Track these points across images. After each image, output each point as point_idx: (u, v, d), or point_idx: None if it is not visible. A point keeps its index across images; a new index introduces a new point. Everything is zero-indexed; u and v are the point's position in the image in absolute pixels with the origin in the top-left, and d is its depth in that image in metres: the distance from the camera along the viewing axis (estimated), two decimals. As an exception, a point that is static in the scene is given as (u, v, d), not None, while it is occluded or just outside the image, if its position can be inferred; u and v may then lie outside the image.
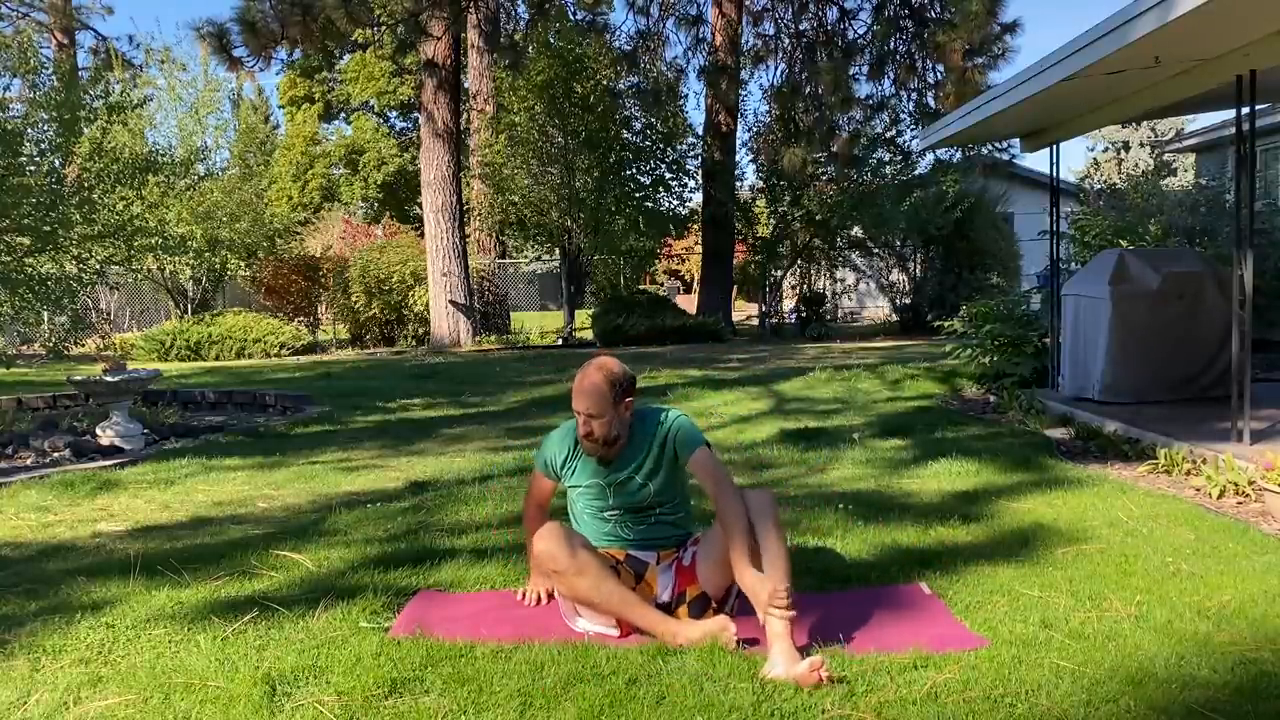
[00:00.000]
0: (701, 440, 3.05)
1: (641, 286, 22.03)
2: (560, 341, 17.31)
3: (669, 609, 2.97)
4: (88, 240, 8.51)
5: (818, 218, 17.45)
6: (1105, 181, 26.66)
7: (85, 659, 2.77)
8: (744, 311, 24.06)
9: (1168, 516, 4.09)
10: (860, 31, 17.06)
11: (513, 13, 17.84)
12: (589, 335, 17.45)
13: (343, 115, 38.61)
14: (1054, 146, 7.78)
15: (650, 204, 18.15)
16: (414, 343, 17.56)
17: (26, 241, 7.96)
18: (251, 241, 18.87)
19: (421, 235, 18.13)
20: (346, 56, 34.62)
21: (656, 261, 26.25)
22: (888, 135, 17.20)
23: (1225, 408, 5.56)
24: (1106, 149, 39.33)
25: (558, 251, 18.30)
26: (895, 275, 18.39)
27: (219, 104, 19.38)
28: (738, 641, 2.73)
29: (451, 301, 16.54)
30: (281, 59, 11.63)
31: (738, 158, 18.95)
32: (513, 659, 2.67)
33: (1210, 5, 4.24)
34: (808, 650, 2.65)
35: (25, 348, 15.59)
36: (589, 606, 2.88)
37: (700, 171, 18.62)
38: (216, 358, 15.67)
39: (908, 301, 17.94)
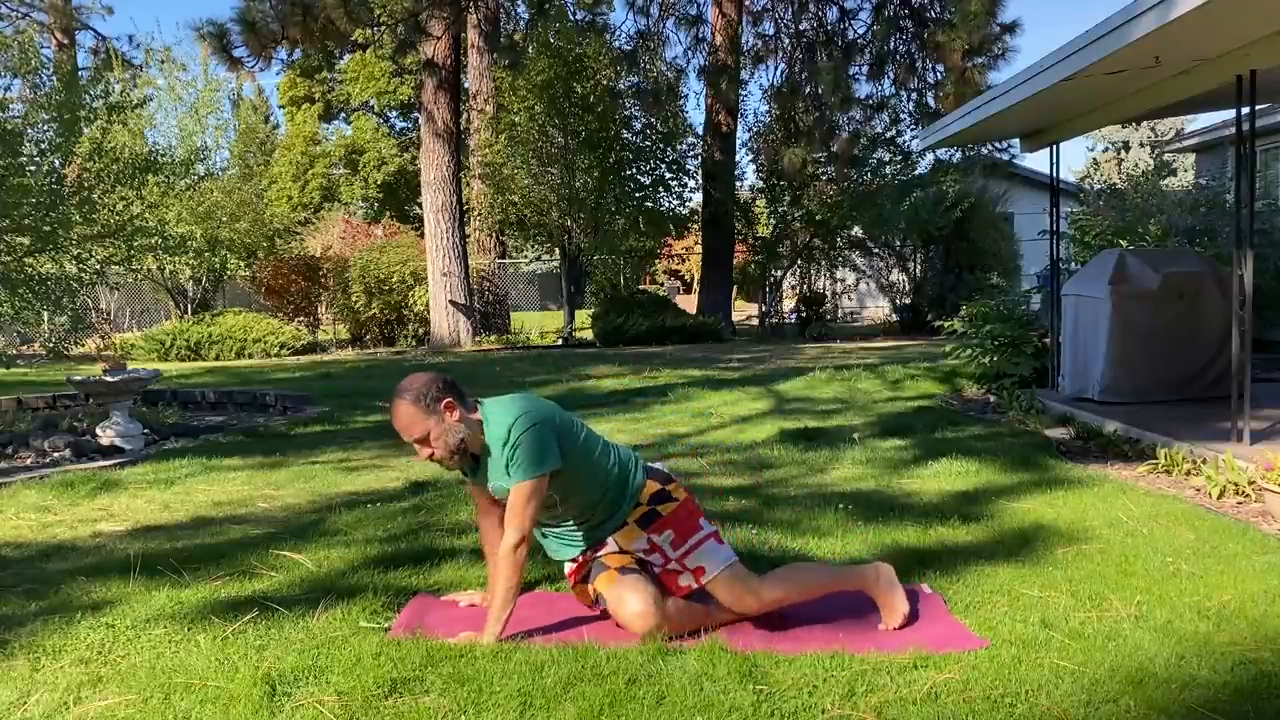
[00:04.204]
0: (531, 474, 2.81)
1: (642, 286, 22.03)
2: (560, 342, 17.32)
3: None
4: (88, 240, 8.50)
5: (818, 218, 17.46)
6: (1105, 181, 26.64)
7: (85, 659, 2.77)
8: (744, 311, 24.06)
9: (1168, 516, 4.09)
10: (860, 31, 17.07)
11: (513, 13, 17.86)
12: (589, 335, 17.45)
13: (343, 115, 38.57)
14: (1054, 146, 7.78)
15: (650, 204, 18.16)
16: (414, 343, 17.56)
17: (26, 241, 7.95)
18: (251, 241, 18.87)
19: (421, 235, 18.14)
20: (346, 56, 34.58)
21: (656, 261, 26.28)
22: (888, 135, 17.19)
23: (1225, 408, 5.56)
24: (1106, 149, 39.38)
25: (558, 251, 18.30)
26: (895, 275, 18.40)
27: (219, 104, 19.39)
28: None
29: (451, 301, 16.54)
30: (281, 59, 11.60)
31: (738, 158, 18.98)
32: (513, 659, 2.67)
33: (1210, 5, 4.24)
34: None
35: (25, 348, 15.60)
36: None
37: (700, 171, 18.63)
38: (216, 358, 15.68)
39: (908, 301, 17.94)
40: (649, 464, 3.15)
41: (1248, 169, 5.58)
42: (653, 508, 3.00)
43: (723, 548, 2.96)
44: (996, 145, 15.25)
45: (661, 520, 2.98)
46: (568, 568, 3.10)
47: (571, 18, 16.05)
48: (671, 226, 19.65)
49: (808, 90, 16.76)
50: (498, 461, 2.92)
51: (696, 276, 23.82)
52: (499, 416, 2.90)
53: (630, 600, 2.84)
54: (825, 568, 3.01)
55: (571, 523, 3.03)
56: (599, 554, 3.02)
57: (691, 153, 18.83)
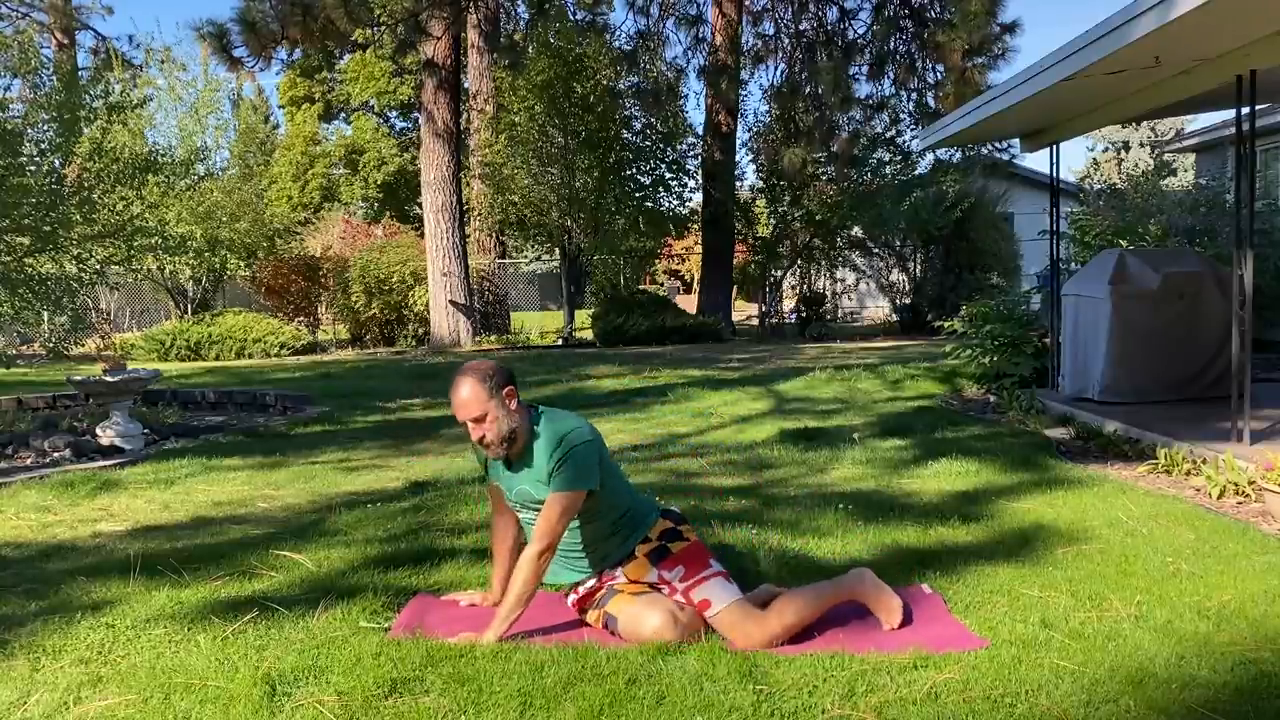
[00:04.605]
0: (569, 488, 2.88)
1: (641, 286, 22.03)
2: (560, 341, 17.32)
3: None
4: (88, 240, 8.50)
5: (818, 218, 17.46)
6: (1105, 181, 26.64)
7: (85, 659, 2.77)
8: (744, 311, 24.06)
9: (1168, 516, 4.09)
10: (860, 31, 17.06)
11: (513, 13, 17.86)
12: (589, 335, 17.46)
13: (343, 115, 38.58)
14: (1054, 146, 7.78)
15: (650, 204, 18.16)
16: (414, 343, 17.56)
17: (26, 241, 7.95)
18: (251, 241, 18.87)
19: (421, 235, 18.14)
20: (346, 56, 34.58)
21: (656, 261, 26.27)
22: (888, 135, 17.19)
23: (1225, 408, 5.56)
24: (1106, 149, 39.38)
25: (558, 251, 18.31)
26: (895, 275, 18.40)
27: (219, 104, 19.38)
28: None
29: (451, 301, 16.54)
30: (281, 59, 11.60)
31: (738, 158, 18.98)
32: (513, 659, 2.67)
33: (1210, 5, 4.24)
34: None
35: (25, 348, 15.60)
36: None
37: (700, 171, 18.63)
38: (216, 358, 15.68)
39: (908, 301, 17.94)
40: (668, 508, 3.23)
41: (1248, 169, 5.58)
42: (663, 544, 3.06)
43: (731, 585, 2.96)
44: (996, 145, 15.25)
45: (672, 557, 3.03)
46: (570, 599, 3.11)
47: (571, 18, 16.05)
48: (671, 226, 19.65)
49: (808, 90, 16.75)
50: (535, 468, 2.95)
51: (696, 276, 23.82)
52: (554, 425, 2.97)
53: (649, 616, 2.84)
54: (817, 589, 3.02)
55: (580, 548, 3.04)
56: (610, 583, 3.04)
57: (691, 153, 18.84)
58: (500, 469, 3.08)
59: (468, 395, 2.93)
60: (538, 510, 2.95)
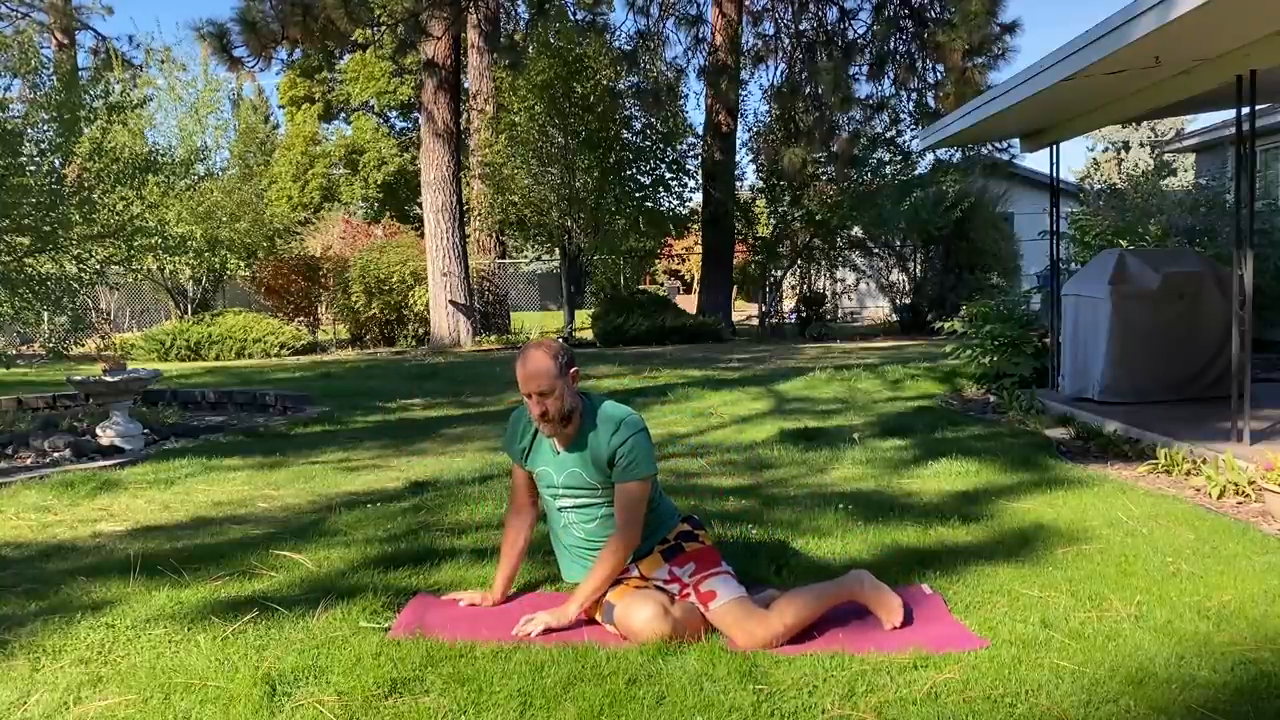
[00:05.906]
0: (644, 475, 2.99)
1: (641, 286, 22.03)
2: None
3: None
4: (88, 240, 8.50)
5: (818, 218, 17.46)
6: (1105, 181, 26.65)
7: (85, 659, 2.77)
8: (744, 311, 24.06)
9: (1168, 516, 4.09)
10: (860, 31, 17.06)
11: (513, 13, 17.86)
12: (589, 335, 17.45)
13: (343, 115, 38.61)
14: (1054, 146, 7.78)
15: (650, 204, 18.17)
16: (414, 343, 17.56)
17: (26, 241, 7.95)
18: (251, 241, 18.88)
19: (421, 235, 18.14)
20: (346, 56, 34.61)
21: (656, 261, 26.29)
22: (888, 135, 17.19)
23: (1225, 408, 5.56)
24: (1106, 149, 39.39)
25: (558, 251, 18.31)
26: (895, 275, 18.40)
27: (219, 104, 19.39)
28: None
29: (451, 301, 16.54)
30: (281, 59, 11.60)
31: (738, 158, 18.99)
32: (513, 659, 2.67)
33: (1210, 5, 4.25)
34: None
35: (25, 348, 15.60)
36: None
37: (700, 171, 18.63)
38: (216, 358, 15.68)
39: (908, 301, 17.94)
40: (689, 515, 3.32)
41: (1248, 169, 5.58)
42: (678, 543, 3.11)
43: (738, 585, 2.98)
44: (996, 145, 15.25)
45: (685, 555, 3.07)
46: None
47: (571, 18, 16.04)
48: (671, 226, 19.66)
49: (808, 90, 16.75)
50: (590, 449, 3.02)
51: (696, 276, 23.82)
52: (609, 410, 3.07)
53: (641, 607, 2.85)
54: (818, 589, 3.02)
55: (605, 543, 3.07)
56: (621, 576, 3.05)
57: (691, 153, 18.84)
58: (548, 454, 3.10)
59: (539, 368, 2.99)
60: (583, 494, 3.04)
